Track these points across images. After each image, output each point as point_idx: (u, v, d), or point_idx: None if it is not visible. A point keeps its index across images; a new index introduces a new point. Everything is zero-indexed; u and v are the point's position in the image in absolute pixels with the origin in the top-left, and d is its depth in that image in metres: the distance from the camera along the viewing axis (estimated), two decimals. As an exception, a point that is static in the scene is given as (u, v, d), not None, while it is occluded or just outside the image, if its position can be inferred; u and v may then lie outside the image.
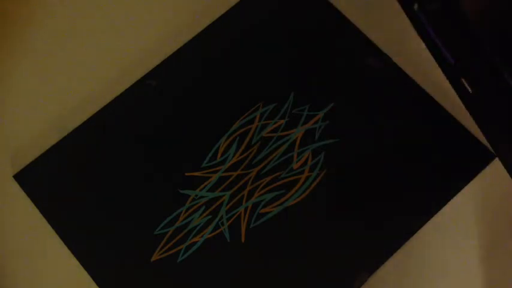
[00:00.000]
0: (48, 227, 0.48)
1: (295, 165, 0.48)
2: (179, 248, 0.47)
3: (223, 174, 0.48)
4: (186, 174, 0.48)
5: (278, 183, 0.48)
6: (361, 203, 0.47)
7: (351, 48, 0.51)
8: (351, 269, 0.45)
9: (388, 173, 0.48)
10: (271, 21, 0.52)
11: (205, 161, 0.49)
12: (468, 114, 0.49)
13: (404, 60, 0.50)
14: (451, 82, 0.50)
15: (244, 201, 0.48)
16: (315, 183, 0.48)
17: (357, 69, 0.51)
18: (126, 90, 0.51)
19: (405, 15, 0.52)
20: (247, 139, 0.49)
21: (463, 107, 0.49)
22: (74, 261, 0.47)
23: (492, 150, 0.48)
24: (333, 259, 0.46)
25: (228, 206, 0.47)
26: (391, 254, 0.46)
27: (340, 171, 0.48)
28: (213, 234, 0.47)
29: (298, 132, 0.49)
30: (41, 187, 0.49)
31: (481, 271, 0.45)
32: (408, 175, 0.48)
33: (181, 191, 0.48)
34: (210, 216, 0.47)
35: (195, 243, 0.47)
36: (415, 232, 0.46)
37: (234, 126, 0.49)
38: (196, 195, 0.48)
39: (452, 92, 0.50)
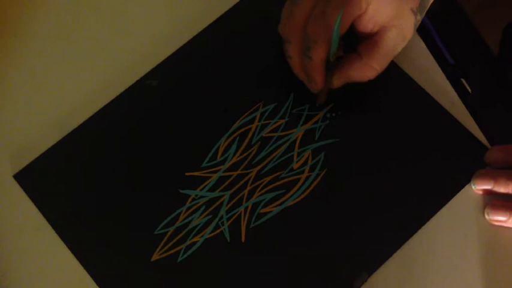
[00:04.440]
0: (48, 227, 0.47)
1: (295, 165, 0.48)
2: (179, 248, 0.47)
3: (223, 174, 0.48)
4: (186, 174, 0.48)
5: (278, 183, 0.48)
6: (361, 202, 0.47)
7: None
8: (351, 268, 0.45)
9: (388, 172, 0.48)
10: (271, 21, 0.52)
11: (205, 161, 0.49)
12: (468, 114, 0.49)
13: (404, 61, 0.50)
14: (451, 82, 0.50)
15: (244, 201, 0.47)
16: (315, 183, 0.48)
17: (357, 69, 0.51)
18: (126, 90, 0.51)
19: (405, 15, 0.52)
20: (247, 139, 0.49)
21: (463, 107, 0.49)
22: (74, 261, 0.47)
23: (492, 150, 0.48)
24: (333, 259, 0.46)
25: (228, 206, 0.47)
26: (391, 254, 0.46)
27: (340, 171, 0.48)
28: (213, 234, 0.47)
29: (298, 132, 0.49)
30: (41, 187, 0.48)
31: (481, 271, 0.45)
32: (408, 175, 0.48)
33: (181, 191, 0.48)
34: (210, 216, 0.47)
35: (195, 243, 0.47)
36: (415, 232, 0.46)
37: (234, 126, 0.49)
38: (196, 195, 0.48)
39: (452, 92, 0.50)
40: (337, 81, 0.47)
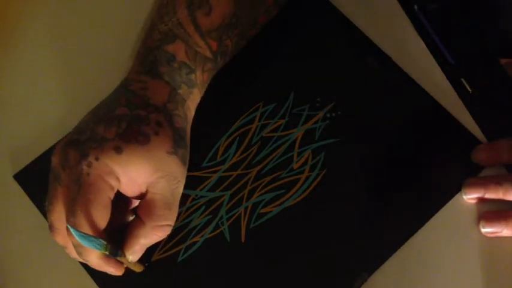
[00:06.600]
0: (48, 227, 0.48)
1: (295, 165, 0.48)
2: (179, 248, 0.47)
3: (223, 174, 0.48)
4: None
5: (278, 183, 0.48)
6: (361, 203, 0.47)
7: (351, 48, 0.51)
8: (351, 268, 0.45)
9: (388, 172, 0.48)
10: (270, 21, 0.52)
11: (205, 161, 0.49)
12: (468, 114, 0.49)
13: (404, 60, 0.50)
14: (451, 82, 0.50)
15: (244, 201, 0.47)
16: (315, 183, 0.48)
17: (357, 69, 0.51)
18: (126, 90, 0.51)
19: (405, 15, 0.52)
20: (247, 139, 0.49)
21: (463, 107, 0.49)
22: (74, 261, 0.46)
23: (492, 150, 0.48)
24: (333, 259, 0.46)
25: (228, 206, 0.47)
26: (391, 254, 0.46)
27: (340, 171, 0.48)
28: (213, 234, 0.47)
29: (298, 132, 0.49)
30: (42, 187, 0.48)
31: (481, 271, 0.45)
32: (408, 175, 0.48)
33: (181, 191, 0.48)
34: (210, 216, 0.47)
35: (195, 243, 0.47)
36: (415, 232, 0.46)
37: (234, 126, 0.49)
38: (196, 195, 0.48)
39: (452, 92, 0.50)
40: (134, 256, 0.42)
